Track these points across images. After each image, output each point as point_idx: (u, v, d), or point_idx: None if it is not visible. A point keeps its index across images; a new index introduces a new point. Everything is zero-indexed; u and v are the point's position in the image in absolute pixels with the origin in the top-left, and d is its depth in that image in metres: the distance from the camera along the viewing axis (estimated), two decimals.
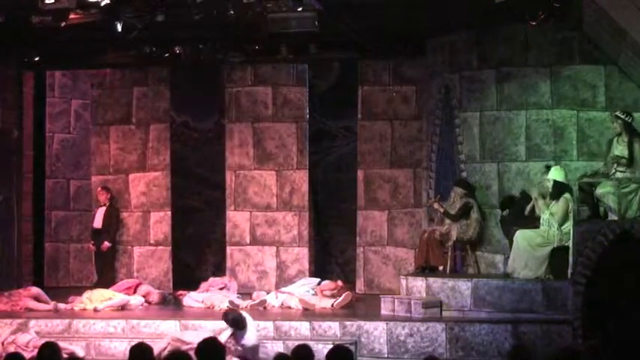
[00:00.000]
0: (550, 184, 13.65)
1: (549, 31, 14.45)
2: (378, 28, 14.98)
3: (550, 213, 13.62)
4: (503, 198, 14.65)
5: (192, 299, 15.68)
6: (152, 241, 17.89)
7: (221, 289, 16.20)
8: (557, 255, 13.42)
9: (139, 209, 17.95)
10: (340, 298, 15.07)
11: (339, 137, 18.09)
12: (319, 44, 15.99)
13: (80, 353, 12.99)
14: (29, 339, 12.98)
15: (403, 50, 16.57)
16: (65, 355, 10.52)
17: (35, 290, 15.54)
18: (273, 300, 15.38)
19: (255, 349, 12.72)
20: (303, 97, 17.65)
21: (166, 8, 13.38)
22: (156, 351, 12.69)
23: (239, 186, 17.73)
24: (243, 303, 15.16)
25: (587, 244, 12.20)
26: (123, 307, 15.15)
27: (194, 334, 12.71)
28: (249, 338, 12.67)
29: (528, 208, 14.09)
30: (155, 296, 15.93)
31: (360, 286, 17.11)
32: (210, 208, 18.28)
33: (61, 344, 12.72)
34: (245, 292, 16.33)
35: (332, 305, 14.98)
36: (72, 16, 12.78)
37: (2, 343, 13.08)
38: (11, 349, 12.64)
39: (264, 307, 15.09)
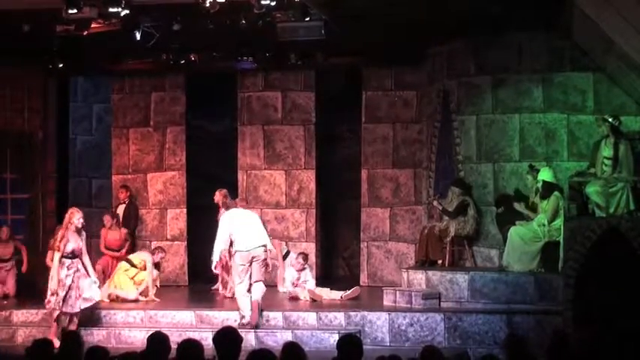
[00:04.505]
0: (539, 185, 13.67)
1: (541, 40, 14.45)
2: (381, 37, 14.94)
3: (544, 210, 13.61)
4: (499, 196, 14.61)
5: None
6: (169, 237, 17.86)
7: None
8: (549, 250, 13.39)
9: (157, 206, 17.94)
10: (349, 291, 15.00)
11: (345, 139, 18.04)
12: (326, 52, 15.94)
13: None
14: (75, 312, 12.88)
15: (404, 58, 16.53)
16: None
17: None
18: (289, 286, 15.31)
19: None
20: (310, 102, 17.59)
21: (182, 18, 13.36)
22: None
23: (250, 185, 17.70)
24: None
25: (576, 239, 12.11)
26: (145, 267, 15.17)
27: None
28: None
29: (518, 207, 14.07)
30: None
31: (363, 278, 17.07)
32: None
33: None
34: None
35: (341, 297, 14.92)
36: (94, 25, 12.76)
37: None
38: (54, 314, 12.79)
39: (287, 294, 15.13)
